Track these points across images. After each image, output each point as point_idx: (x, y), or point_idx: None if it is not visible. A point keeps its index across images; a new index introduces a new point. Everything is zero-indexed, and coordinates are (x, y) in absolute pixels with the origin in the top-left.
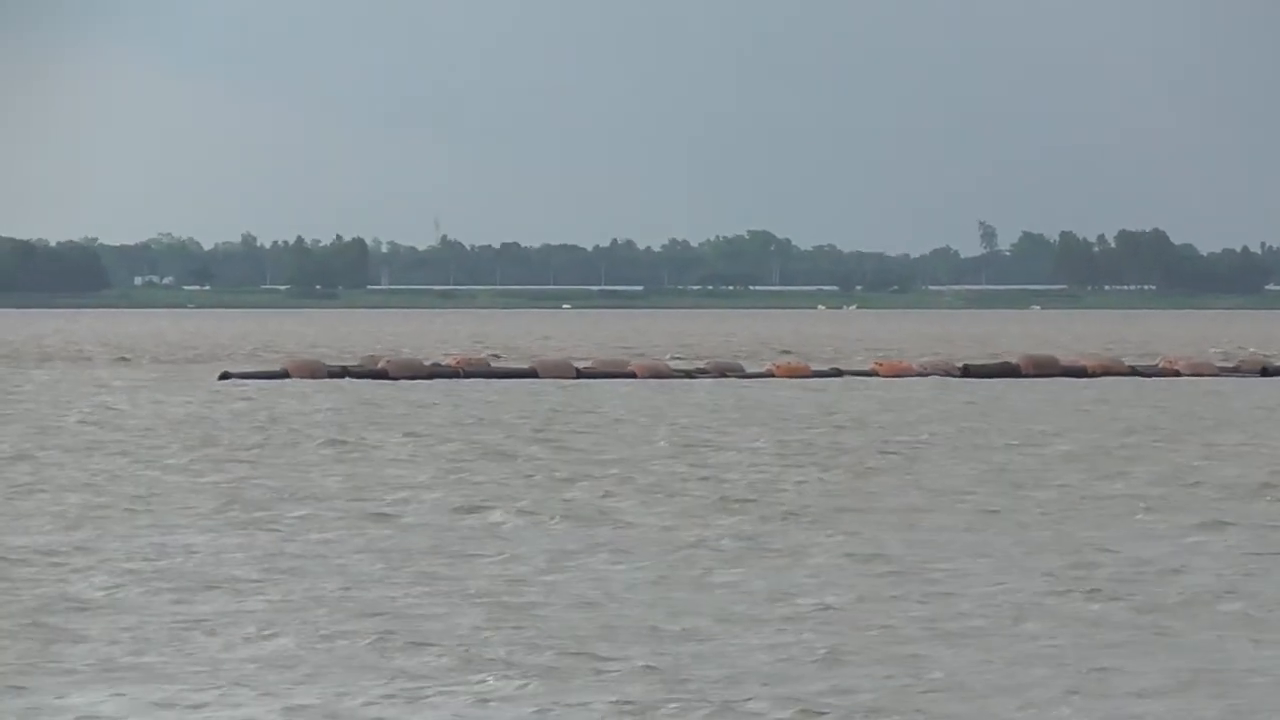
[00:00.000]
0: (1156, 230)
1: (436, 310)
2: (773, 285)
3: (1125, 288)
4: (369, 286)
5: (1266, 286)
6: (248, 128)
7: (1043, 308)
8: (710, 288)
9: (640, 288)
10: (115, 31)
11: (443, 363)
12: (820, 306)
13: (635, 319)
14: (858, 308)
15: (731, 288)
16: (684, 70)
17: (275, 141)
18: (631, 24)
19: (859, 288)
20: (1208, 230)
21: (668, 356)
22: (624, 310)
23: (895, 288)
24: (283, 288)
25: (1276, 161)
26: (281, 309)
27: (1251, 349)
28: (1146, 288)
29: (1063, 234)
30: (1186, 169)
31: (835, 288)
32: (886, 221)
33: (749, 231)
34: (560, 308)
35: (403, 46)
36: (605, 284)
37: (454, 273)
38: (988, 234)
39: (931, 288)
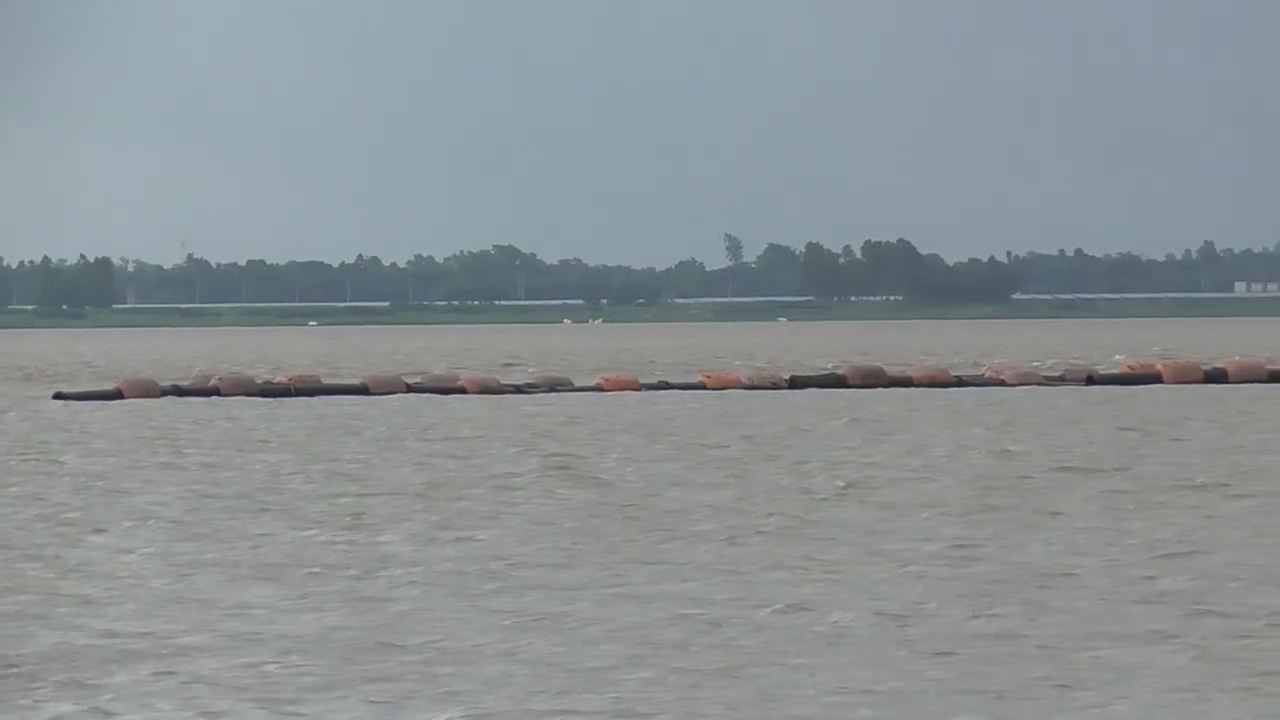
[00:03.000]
0: (903, 241)
1: (181, 328)
2: (519, 300)
3: (872, 298)
4: (115, 306)
5: (1013, 295)
6: None
7: (789, 319)
8: (456, 303)
9: (386, 304)
10: None
11: (274, 380)
12: (566, 320)
13: (388, 335)
14: (603, 321)
15: (477, 303)
16: (426, 86)
17: (20, 159)
18: (373, 38)
19: (605, 301)
20: (954, 240)
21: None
22: (370, 326)
23: (641, 301)
24: (29, 308)
25: (1021, 171)
26: (28, 329)
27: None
28: (894, 298)
29: (809, 245)
30: (932, 179)
31: (581, 301)
32: (632, 235)
33: (494, 246)
34: (306, 324)
35: (147, 59)
36: (351, 300)
37: (200, 291)
38: (733, 246)
39: (678, 300)
